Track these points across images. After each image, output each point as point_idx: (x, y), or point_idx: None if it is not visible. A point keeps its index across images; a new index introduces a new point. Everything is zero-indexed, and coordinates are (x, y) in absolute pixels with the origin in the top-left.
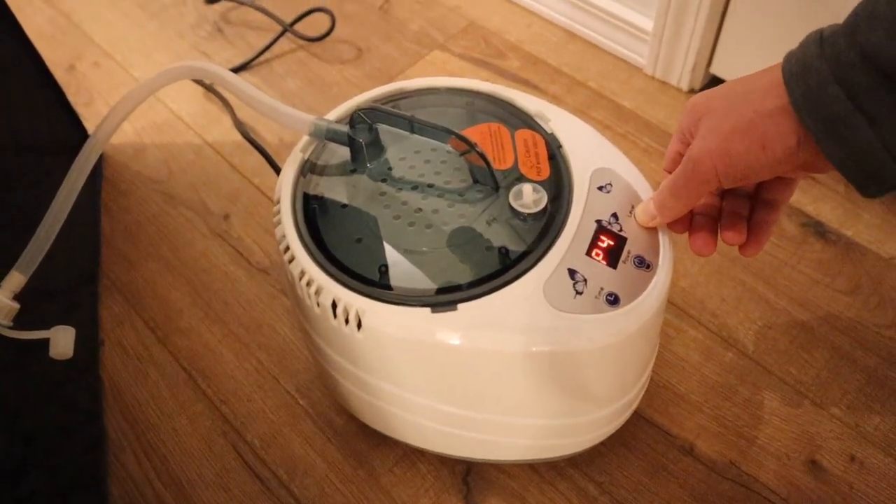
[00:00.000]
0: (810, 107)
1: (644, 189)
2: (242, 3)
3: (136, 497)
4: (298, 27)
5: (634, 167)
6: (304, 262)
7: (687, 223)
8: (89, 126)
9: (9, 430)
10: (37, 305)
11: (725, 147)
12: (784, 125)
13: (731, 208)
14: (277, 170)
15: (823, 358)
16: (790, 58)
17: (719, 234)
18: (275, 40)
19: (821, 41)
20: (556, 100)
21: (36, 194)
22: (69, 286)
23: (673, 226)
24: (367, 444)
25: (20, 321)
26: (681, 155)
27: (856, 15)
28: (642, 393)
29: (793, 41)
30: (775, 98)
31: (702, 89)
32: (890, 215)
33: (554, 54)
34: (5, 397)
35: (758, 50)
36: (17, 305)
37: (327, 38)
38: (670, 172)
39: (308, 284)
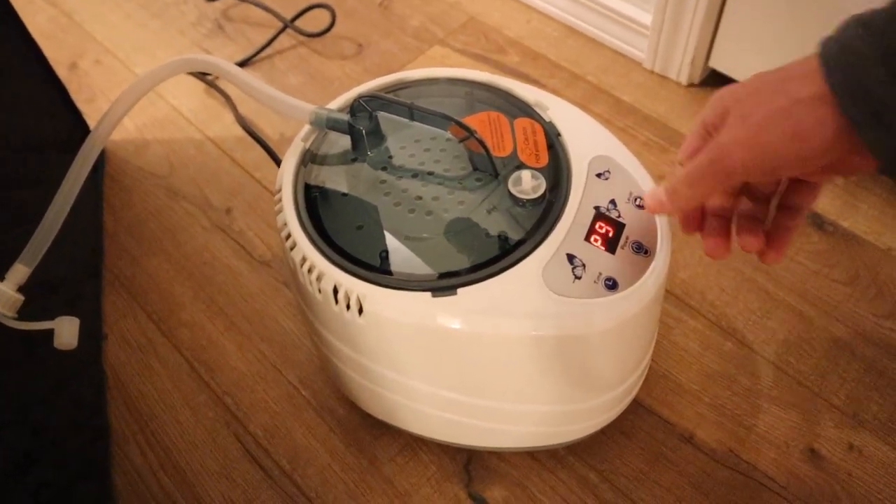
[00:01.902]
0: (852, 91)
1: (642, 176)
2: (243, 0)
3: (141, 488)
4: (299, 23)
5: (632, 155)
6: (305, 248)
7: (698, 223)
8: (91, 123)
9: (16, 422)
10: (41, 300)
11: (756, 137)
12: (821, 113)
13: (747, 211)
14: (278, 163)
15: (822, 348)
16: (827, 42)
17: (736, 238)
18: (275, 36)
19: (861, 23)
20: (555, 94)
21: (39, 191)
22: (72, 280)
23: (685, 225)
24: (369, 434)
25: (25, 314)
26: (699, 150)
27: None
28: (641, 380)
29: (791, 34)
30: (812, 85)
31: (701, 83)
32: (888, 206)
33: (553, 49)
34: (12, 390)
35: (756, 43)
36: (21, 297)
37: (328, 34)
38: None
39: (310, 271)
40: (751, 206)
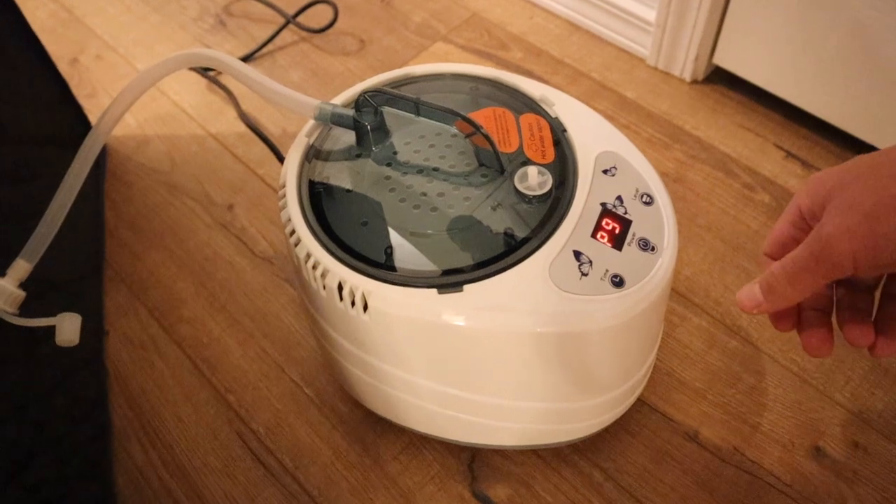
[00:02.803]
0: None
1: (649, 173)
2: None
3: (142, 485)
4: (301, 19)
5: (639, 151)
6: (309, 244)
7: (795, 319)
8: (92, 118)
9: (17, 419)
10: (42, 296)
11: (869, 226)
12: None
13: (849, 302)
14: (281, 159)
15: None
16: None
17: (843, 333)
18: (277, 32)
19: None
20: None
21: (40, 186)
22: (74, 277)
23: (778, 322)
24: (372, 432)
25: (26, 311)
26: (794, 240)
27: None
28: (646, 378)
29: (796, 31)
30: None
31: (705, 80)
32: None
33: (556, 45)
34: (13, 386)
35: (761, 40)
36: (22, 293)
37: (330, 30)
38: (772, 258)
39: (314, 267)
40: (852, 296)
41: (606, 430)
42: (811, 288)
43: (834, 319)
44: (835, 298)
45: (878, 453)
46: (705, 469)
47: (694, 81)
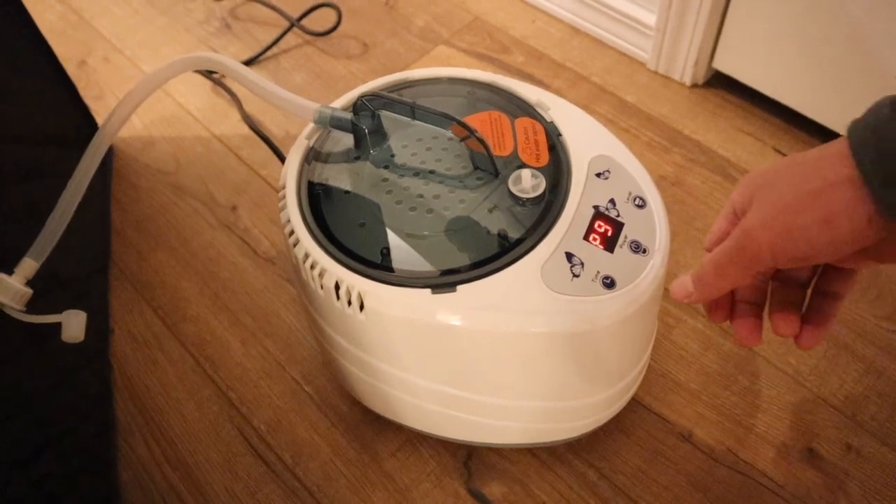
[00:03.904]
0: (884, 174)
1: (642, 177)
2: None
3: (146, 480)
4: (305, 22)
5: (632, 155)
6: (308, 245)
7: (728, 310)
8: (100, 119)
9: (23, 414)
10: (48, 293)
11: (784, 220)
12: (853, 197)
13: (781, 297)
14: (283, 160)
15: (822, 348)
16: (856, 124)
17: (770, 323)
18: (282, 35)
19: (892, 104)
20: (559, 94)
21: (48, 185)
22: (80, 275)
23: (712, 313)
24: (370, 429)
25: (33, 308)
26: (728, 234)
27: None
28: (640, 378)
29: (794, 36)
30: (844, 167)
31: (704, 84)
32: None
33: (558, 49)
34: (19, 382)
35: (760, 44)
36: (29, 291)
37: (333, 34)
38: (711, 252)
39: (312, 267)
40: (784, 291)
41: (601, 429)
42: (736, 279)
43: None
44: (769, 293)
45: (870, 456)
46: (699, 469)
47: (694, 86)
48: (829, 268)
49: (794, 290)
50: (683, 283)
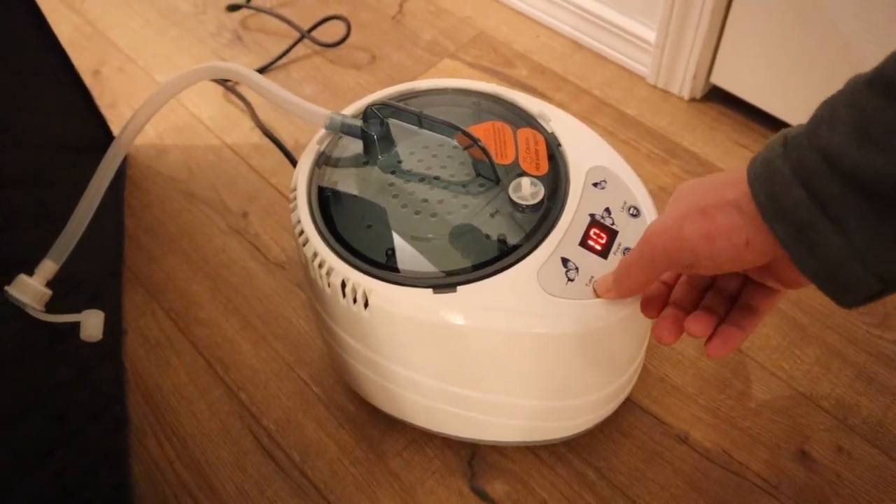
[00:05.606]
0: (775, 210)
1: (637, 186)
2: (261, 11)
3: (158, 476)
4: (315, 34)
5: (628, 166)
6: (316, 244)
7: (658, 309)
8: (114, 127)
9: (41, 410)
10: (65, 295)
11: (677, 229)
12: (734, 220)
13: (707, 303)
14: (295, 165)
15: (814, 354)
16: (755, 159)
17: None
18: (292, 46)
19: (784, 142)
20: (561, 107)
21: (64, 191)
22: (95, 278)
23: (643, 309)
24: (377, 429)
25: (50, 309)
26: None
27: (817, 116)
28: (635, 378)
29: (790, 52)
30: (735, 191)
31: (702, 98)
32: None
33: (560, 63)
34: (38, 379)
35: (756, 60)
36: (49, 292)
37: (342, 45)
38: None
39: (320, 266)
40: (713, 299)
41: (601, 430)
42: (641, 279)
43: None
44: (705, 301)
45: (861, 458)
46: (695, 470)
47: (692, 100)
48: (751, 282)
49: (720, 300)
50: (605, 281)
